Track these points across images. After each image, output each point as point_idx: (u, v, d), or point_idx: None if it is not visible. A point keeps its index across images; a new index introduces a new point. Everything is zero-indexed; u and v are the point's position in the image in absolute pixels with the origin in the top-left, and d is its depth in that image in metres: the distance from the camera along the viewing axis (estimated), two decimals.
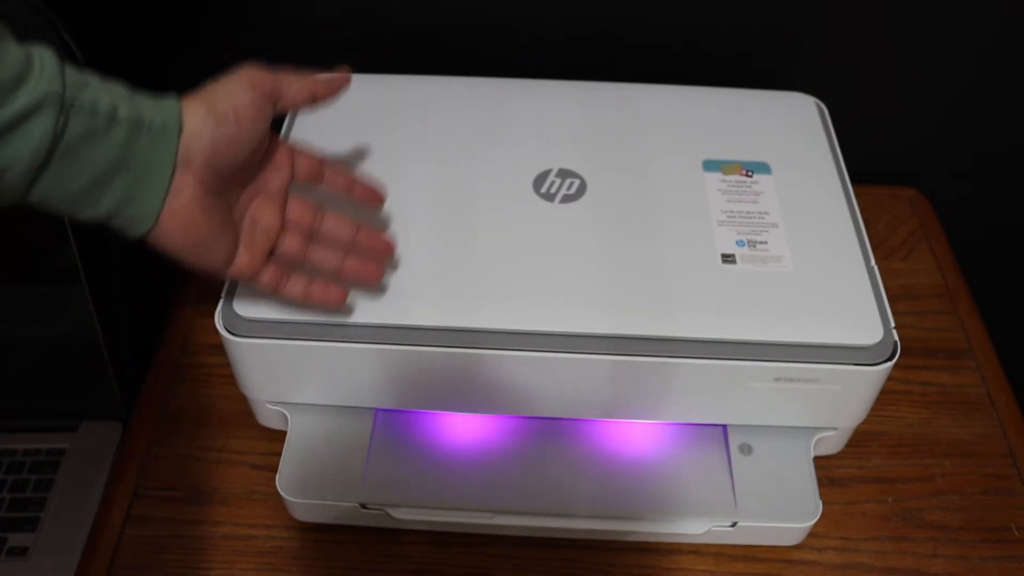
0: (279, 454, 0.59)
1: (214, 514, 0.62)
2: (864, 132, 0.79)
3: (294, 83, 0.50)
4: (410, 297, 0.55)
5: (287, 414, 0.61)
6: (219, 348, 0.57)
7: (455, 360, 0.55)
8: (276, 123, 0.66)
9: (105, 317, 0.74)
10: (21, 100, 0.39)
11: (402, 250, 0.57)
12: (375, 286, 0.55)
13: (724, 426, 0.61)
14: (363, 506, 0.58)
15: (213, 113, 0.46)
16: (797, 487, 0.59)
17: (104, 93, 0.43)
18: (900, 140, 0.88)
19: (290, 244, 0.52)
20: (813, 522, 0.58)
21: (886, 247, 0.80)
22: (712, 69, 0.80)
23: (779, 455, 0.60)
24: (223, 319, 0.56)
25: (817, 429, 0.61)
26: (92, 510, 0.66)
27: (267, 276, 0.52)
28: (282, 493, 0.58)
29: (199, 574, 0.59)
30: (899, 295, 0.75)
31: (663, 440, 0.61)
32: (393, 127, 0.66)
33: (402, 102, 0.68)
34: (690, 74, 0.74)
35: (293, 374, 0.58)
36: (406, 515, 0.59)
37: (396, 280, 0.56)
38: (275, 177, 0.52)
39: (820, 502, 0.58)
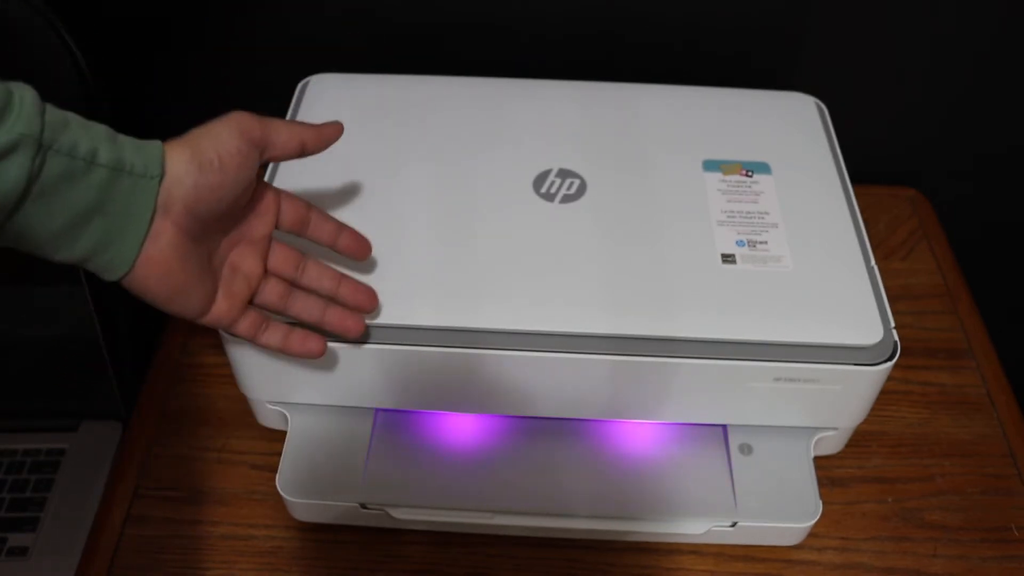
0: (279, 454, 0.59)
1: (214, 514, 0.62)
2: (864, 132, 0.79)
3: (283, 132, 0.48)
4: (410, 297, 0.55)
5: (287, 414, 0.61)
6: (219, 348, 0.57)
7: (455, 360, 0.55)
8: None
9: (105, 317, 0.74)
10: None
11: (402, 250, 0.57)
12: (355, 338, 0.53)
13: (724, 426, 0.61)
14: (363, 506, 0.58)
15: (197, 159, 0.45)
16: (797, 487, 0.59)
17: (85, 135, 0.41)
18: (900, 140, 0.88)
19: (270, 293, 0.51)
20: (813, 522, 0.58)
21: (886, 247, 0.80)
22: (712, 69, 0.80)
23: (779, 455, 0.60)
24: None
25: (817, 429, 0.61)
26: (92, 510, 0.66)
27: (245, 324, 0.50)
28: (282, 493, 0.58)
29: (199, 574, 0.59)
30: (899, 295, 0.75)
31: (663, 440, 0.61)
32: (393, 127, 0.66)
33: (402, 102, 0.68)
34: (690, 74, 0.74)
35: (293, 374, 0.58)
36: (406, 515, 0.59)
37: (396, 280, 0.56)
38: (259, 224, 0.50)
39: (820, 502, 0.58)
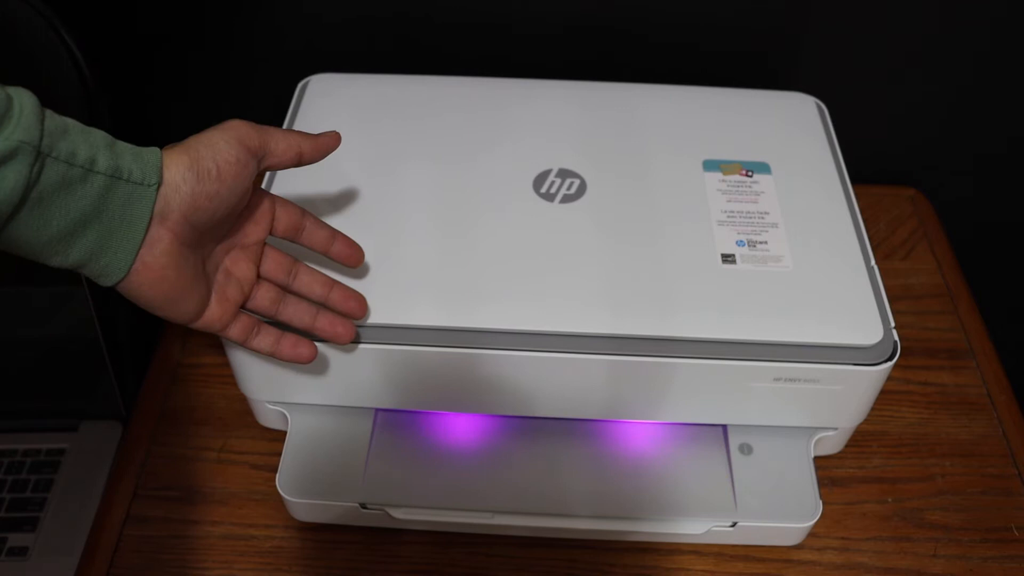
0: (279, 454, 0.59)
1: (214, 514, 0.62)
2: (864, 132, 0.79)
3: (281, 141, 0.49)
4: (410, 297, 0.55)
5: (287, 414, 0.61)
6: (219, 348, 0.57)
7: (455, 360, 0.55)
8: (277, 121, 0.66)
9: (105, 317, 0.74)
10: None
11: (403, 250, 0.57)
12: (345, 344, 0.54)
13: (724, 426, 0.61)
14: (363, 506, 0.58)
15: (195, 167, 0.45)
16: (797, 487, 0.59)
17: (83, 142, 0.41)
18: (900, 140, 0.88)
19: (263, 298, 0.51)
20: (813, 522, 0.58)
21: (886, 247, 0.80)
22: (712, 69, 0.80)
23: (779, 455, 0.60)
24: None
25: (817, 429, 0.61)
26: (92, 510, 0.66)
27: (236, 329, 0.50)
28: (282, 493, 0.58)
29: (199, 574, 0.59)
30: (899, 295, 0.75)
31: (663, 440, 0.61)
32: (393, 127, 0.66)
33: (402, 102, 0.68)
34: (690, 74, 0.74)
35: (293, 374, 0.58)
36: (406, 515, 0.59)
37: (396, 280, 0.56)
38: (254, 230, 0.51)
39: (820, 502, 0.58)
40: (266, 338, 0.52)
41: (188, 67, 0.86)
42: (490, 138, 0.65)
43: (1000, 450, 0.66)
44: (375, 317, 0.54)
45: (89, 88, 0.70)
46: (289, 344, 0.52)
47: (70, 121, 0.42)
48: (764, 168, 0.64)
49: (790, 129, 0.68)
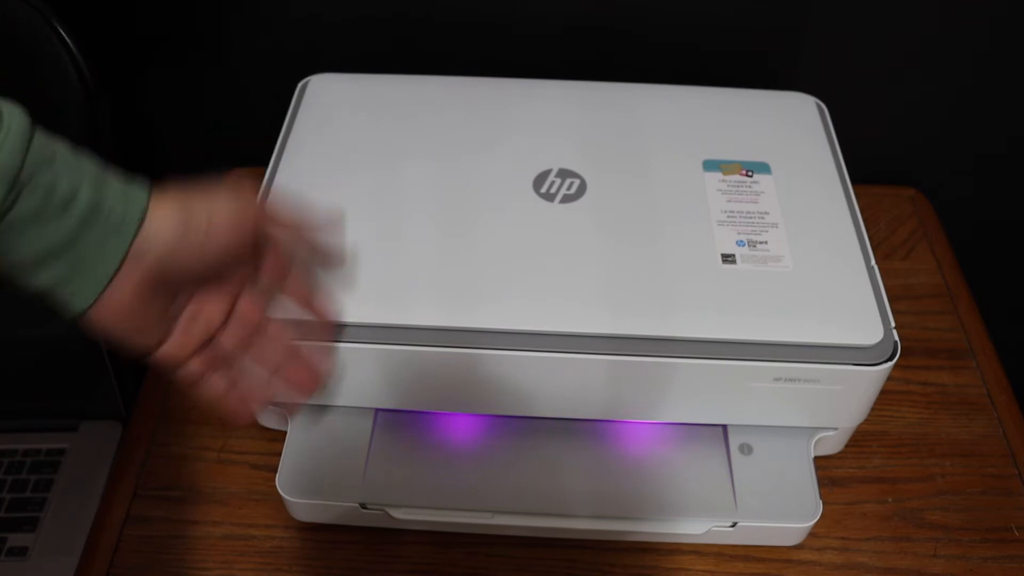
0: (279, 454, 0.59)
1: (214, 514, 0.62)
2: (864, 132, 0.79)
3: (282, 231, 0.47)
4: (410, 297, 0.55)
5: (287, 414, 0.61)
6: None
7: (455, 360, 0.55)
8: (277, 121, 0.66)
9: None
10: None
11: (403, 250, 0.57)
12: (303, 400, 0.52)
13: (724, 426, 0.61)
14: (363, 506, 0.58)
15: (185, 219, 0.43)
16: (797, 487, 0.59)
17: (68, 173, 0.40)
18: (900, 140, 0.88)
19: (228, 340, 0.49)
20: (813, 522, 0.58)
21: (886, 247, 0.80)
22: (712, 69, 0.80)
23: (779, 455, 0.60)
24: None
25: (817, 429, 0.61)
26: (92, 510, 0.66)
27: (192, 367, 0.48)
28: (282, 493, 0.58)
29: (199, 574, 0.59)
30: (899, 295, 0.75)
31: (663, 440, 0.61)
32: (393, 127, 0.66)
33: (402, 102, 0.68)
34: (690, 74, 0.74)
35: None
36: (406, 515, 0.59)
37: (396, 280, 0.56)
38: (236, 278, 0.48)
39: (820, 502, 0.58)
40: (217, 383, 0.49)
41: (188, 67, 0.86)
42: (490, 138, 0.65)
43: (1000, 450, 0.66)
44: (375, 317, 0.54)
45: (89, 88, 0.70)
46: (235, 401, 0.49)
47: (60, 147, 0.40)
48: (764, 168, 0.64)
49: (790, 129, 0.68)
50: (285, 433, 0.61)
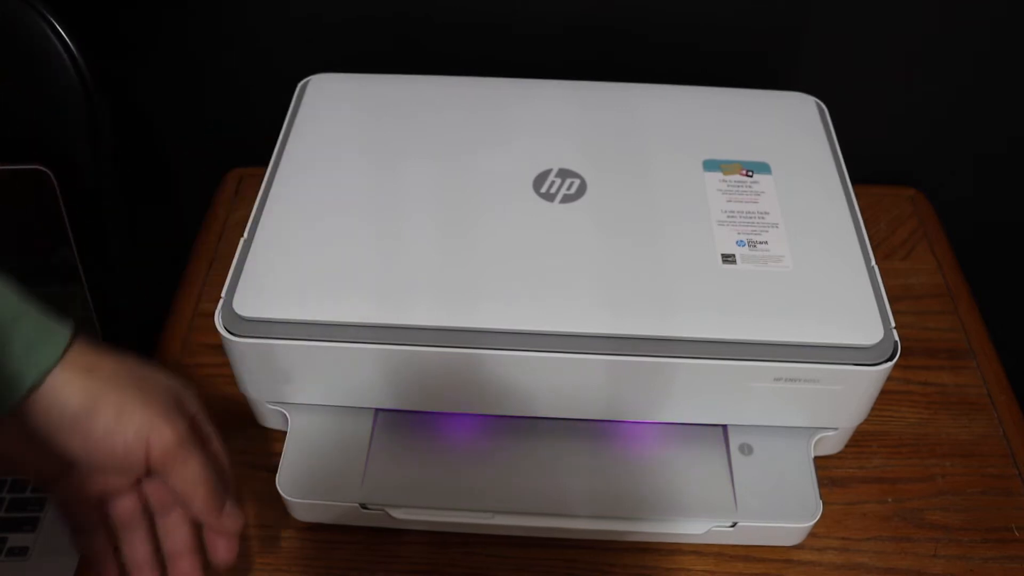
0: (279, 454, 0.59)
1: None
2: (864, 132, 0.79)
3: (182, 481, 0.43)
4: (410, 297, 0.55)
5: (287, 414, 0.61)
6: (219, 348, 0.57)
7: (455, 360, 0.55)
8: (277, 121, 0.66)
9: (105, 317, 0.74)
10: None
11: (402, 250, 0.57)
12: None
13: (724, 426, 0.61)
14: (363, 506, 0.58)
15: (86, 411, 0.39)
16: (797, 487, 0.59)
17: None
18: (900, 140, 0.88)
19: (123, 510, 0.47)
20: (813, 522, 0.58)
21: (886, 247, 0.80)
22: (712, 69, 0.80)
23: (779, 455, 0.60)
24: (223, 319, 0.56)
25: (817, 429, 0.61)
26: None
27: (86, 517, 0.46)
28: (282, 493, 0.58)
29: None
30: (899, 295, 0.75)
31: (663, 440, 0.61)
32: (393, 127, 0.66)
33: (402, 102, 0.68)
34: (690, 74, 0.74)
35: (293, 374, 0.57)
36: (406, 515, 0.59)
37: (396, 280, 0.56)
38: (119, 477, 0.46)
39: (820, 502, 0.58)
40: (101, 544, 0.47)
41: (187, 68, 0.86)
42: (490, 138, 0.65)
43: (1000, 450, 0.66)
44: (375, 317, 0.54)
45: (89, 88, 0.70)
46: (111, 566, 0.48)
47: None
48: (764, 168, 0.64)
49: (790, 129, 0.68)
50: (285, 433, 0.61)
